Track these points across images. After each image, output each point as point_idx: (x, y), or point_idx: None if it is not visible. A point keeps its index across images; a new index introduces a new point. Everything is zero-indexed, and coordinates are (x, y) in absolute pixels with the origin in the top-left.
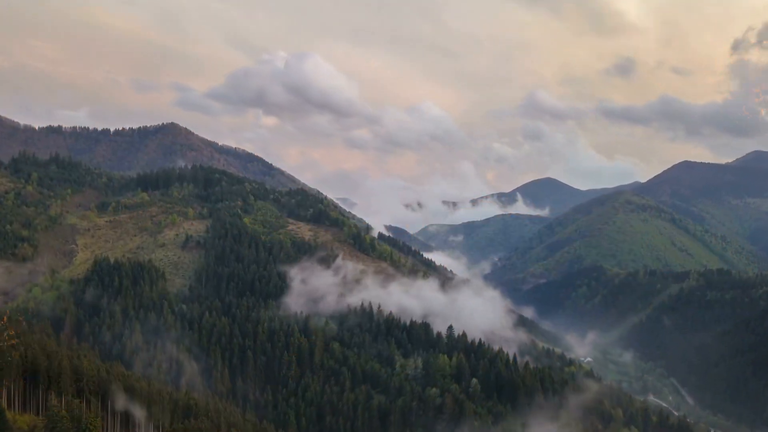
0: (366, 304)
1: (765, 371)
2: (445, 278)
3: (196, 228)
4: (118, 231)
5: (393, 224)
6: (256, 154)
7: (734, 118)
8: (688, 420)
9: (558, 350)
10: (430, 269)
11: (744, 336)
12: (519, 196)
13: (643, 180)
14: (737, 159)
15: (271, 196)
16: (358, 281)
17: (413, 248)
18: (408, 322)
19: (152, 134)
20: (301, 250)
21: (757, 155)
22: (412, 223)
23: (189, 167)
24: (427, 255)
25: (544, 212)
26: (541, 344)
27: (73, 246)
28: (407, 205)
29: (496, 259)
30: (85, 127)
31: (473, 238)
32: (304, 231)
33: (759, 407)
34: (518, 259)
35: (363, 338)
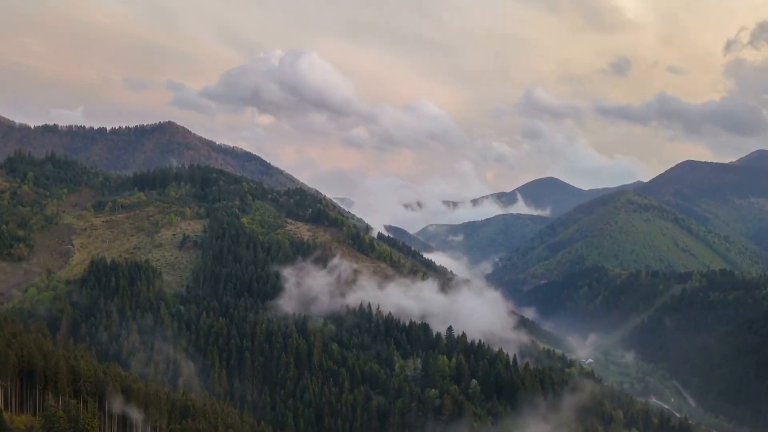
0: (365, 305)
1: None
2: (445, 279)
3: (194, 228)
4: (115, 231)
5: (392, 224)
6: (253, 153)
7: (733, 116)
8: (690, 422)
9: (559, 351)
10: (430, 270)
11: (747, 337)
12: (520, 196)
13: (646, 179)
14: (741, 158)
15: (270, 196)
16: (357, 282)
17: (413, 248)
18: (407, 323)
19: (149, 133)
20: (300, 251)
21: (761, 154)
22: (412, 223)
23: (186, 166)
24: (427, 255)
25: (545, 212)
26: (541, 345)
27: (70, 246)
28: (406, 205)
29: (497, 259)
30: (81, 126)
31: (474, 238)
32: (303, 231)
33: (762, 409)
34: (519, 260)
35: (362, 339)
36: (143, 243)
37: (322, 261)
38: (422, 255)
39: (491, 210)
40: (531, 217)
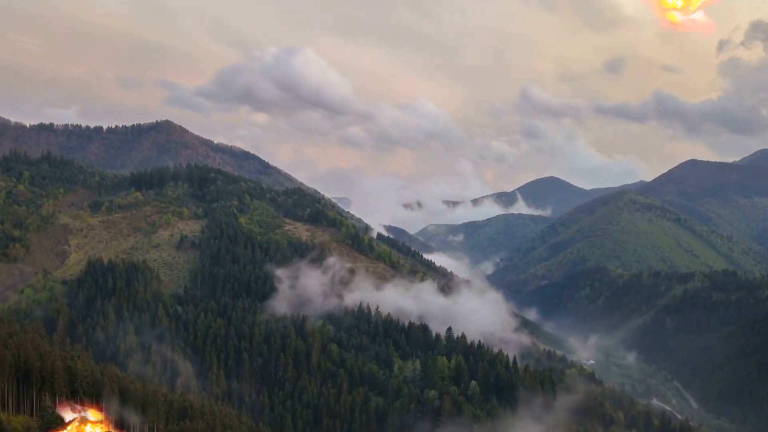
0: (364, 306)
1: None
2: (445, 279)
3: (191, 228)
4: (112, 231)
5: (392, 224)
6: (251, 152)
7: (732, 115)
8: (691, 423)
9: (560, 352)
10: (430, 270)
11: (749, 338)
12: (520, 196)
13: (649, 179)
14: (744, 158)
15: (268, 196)
16: (355, 282)
17: (413, 249)
18: (406, 324)
19: (146, 132)
20: (298, 251)
21: (764, 154)
22: (411, 223)
23: (183, 166)
24: (427, 256)
25: (546, 212)
26: (542, 346)
27: (66, 246)
28: (406, 205)
29: (498, 259)
30: (77, 125)
31: (475, 238)
32: (301, 231)
33: (764, 410)
34: (520, 260)
35: (361, 340)
36: (140, 243)
37: (321, 261)
38: (422, 255)
39: (491, 210)
40: (532, 217)
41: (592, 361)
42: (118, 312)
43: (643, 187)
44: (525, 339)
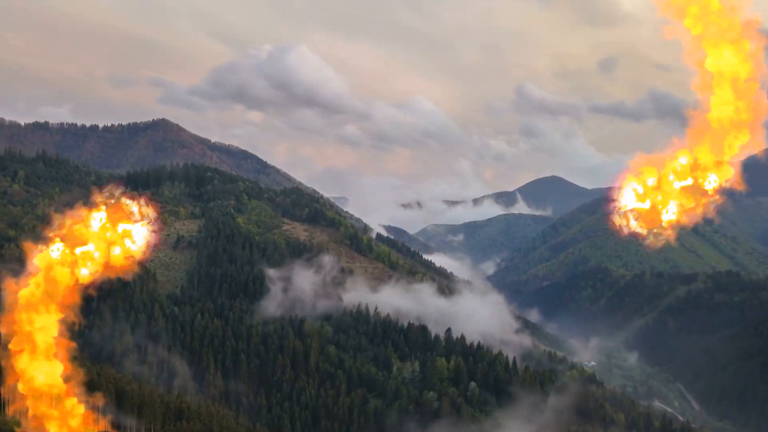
0: (362, 307)
1: None
2: (445, 280)
3: (188, 228)
4: None
5: (391, 224)
6: (249, 151)
7: None
8: (693, 425)
9: (560, 354)
10: (431, 271)
11: (753, 339)
12: (520, 196)
13: None
14: (748, 157)
15: (266, 195)
16: (354, 283)
17: (413, 249)
18: (405, 325)
19: (142, 131)
20: (296, 251)
21: None
22: (411, 223)
23: (180, 165)
24: (427, 256)
25: (547, 212)
26: (543, 347)
27: None
28: (405, 205)
29: (499, 260)
30: (72, 124)
31: (475, 238)
32: (300, 231)
33: (767, 412)
34: (521, 260)
35: (359, 341)
36: None
37: (319, 262)
38: (422, 256)
39: (492, 210)
40: (533, 217)
41: (593, 363)
42: (113, 312)
43: None
44: (526, 340)
